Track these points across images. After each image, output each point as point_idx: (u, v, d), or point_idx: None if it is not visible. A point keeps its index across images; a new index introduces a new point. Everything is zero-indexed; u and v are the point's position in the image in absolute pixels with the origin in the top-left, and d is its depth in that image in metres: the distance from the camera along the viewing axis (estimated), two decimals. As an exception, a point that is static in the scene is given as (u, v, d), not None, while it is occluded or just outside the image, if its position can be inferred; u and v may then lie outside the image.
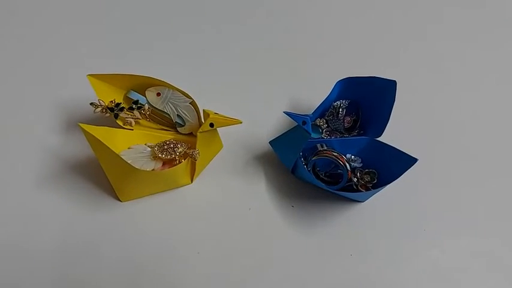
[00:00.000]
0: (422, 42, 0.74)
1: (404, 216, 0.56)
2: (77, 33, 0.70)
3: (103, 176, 0.53)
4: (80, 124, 0.49)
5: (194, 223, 0.54)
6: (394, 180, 0.50)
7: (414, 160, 0.50)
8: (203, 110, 0.54)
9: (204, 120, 0.53)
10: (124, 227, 0.53)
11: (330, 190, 0.53)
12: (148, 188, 0.54)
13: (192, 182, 0.56)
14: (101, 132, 0.50)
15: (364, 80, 0.55)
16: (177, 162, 0.53)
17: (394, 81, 0.53)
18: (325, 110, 0.59)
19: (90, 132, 0.49)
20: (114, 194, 0.54)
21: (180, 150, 0.53)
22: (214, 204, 0.55)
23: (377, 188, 0.52)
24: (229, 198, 0.56)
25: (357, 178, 0.54)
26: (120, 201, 0.54)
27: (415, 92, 0.66)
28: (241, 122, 0.52)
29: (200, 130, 0.52)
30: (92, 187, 0.55)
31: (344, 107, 0.57)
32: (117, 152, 0.50)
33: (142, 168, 0.52)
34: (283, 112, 0.52)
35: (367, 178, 0.54)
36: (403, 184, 0.53)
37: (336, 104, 0.58)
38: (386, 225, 0.55)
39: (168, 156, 0.53)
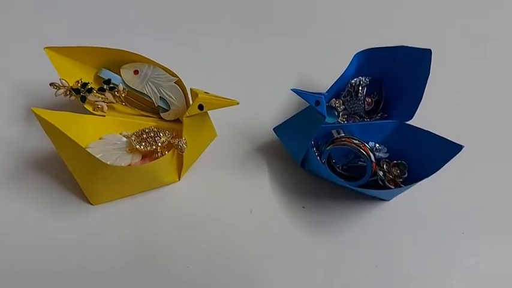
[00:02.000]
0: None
1: (438, 218, 0.49)
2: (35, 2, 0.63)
3: (71, 176, 0.46)
4: (33, 109, 0.40)
5: (183, 231, 0.47)
6: (432, 173, 0.42)
7: (459, 147, 0.42)
8: (190, 89, 0.45)
9: (192, 101, 0.44)
10: (95, 237, 0.46)
11: (350, 187, 0.46)
12: (124, 188, 0.47)
13: (179, 179, 0.49)
14: (61, 119, 0.42)
15: (389, 51, 0.48)
16: (160, 155, 0.46)
17: (429, 50, 0.46)
18: (340, 89, 0.51)
19: (46, 118, 0.39)
20: (85, 197, 0.47)
21: (162, 139, 0.45)
22: (207, 207, 0.48)
23: (408, 183, 0.45)
24: (225, 199, 0.49)
25: (383, 171, 0.45)
26: (92, 204, 0.47)
27: (450, 65, 0.59)
28: (238, 103, 0.44)
29: (187, 114, 0.43)
30: (58, 188, 0.48)
31: (364, 84, 0.49)
32: (84, 144, 0.44)
33: (115, 164, 0.44)
34: (291, 90, 0.44)
35: (395, 171, 0.46)
36: (436, 179, 0.45)
37: (354, 81, 0.50)
38: (417, 229, 0.48)
39: (148, 148, 0.45)
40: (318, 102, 0.43)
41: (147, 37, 0.60)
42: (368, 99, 0.50)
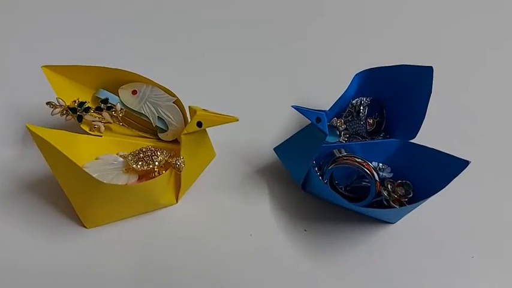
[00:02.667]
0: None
1: (445, 241, 0.47)
2: (31, 22, 0.63)
3: (66, 198, 0.44)
4: (28, 125, 0.38)
5: (180, 254, 0.45)
6: (439, 190, 0.40)
7: (465, 163, 0.41)
8: (189, 106, 0.44)
9: (191, 119, 0.43)
10: (88, 261, 0.44)
11: (353, 208, 0.44)
12: (120, 210, 0.45)
13: (177, 201, 0.47)
14: (57, 137, 0.40)
15: (390, 71, 0.48)
16: (157, 174, 0.44)
17: (430, 67, 0.46)
18: (341, 109, 0.50)
19: (41, 135, 0.38)
20: (79, 219, 0.45)
21: (160, 158, 0.43)
22: (205, 230, 0.46)
23: (413, 202, 0.43)
24: (224, 222, 0.47)
25: (388, 191, 0.44)
26: (85, 227, 0.45)
27: (451, 81, 0.59)
28: (237, 120, 0.43)
29: (185, 131, 0.42)
30: (52, 211, 0.47)
31: (366, 104, 0.48)
32: (80, 164, 0.42)
33: (111, 183, 0.42)
34: (292, 106, 0.43)
35: (400, 191, 0.44)
36: (442, 200, 0.45)
37: (355, 101, 0.50)
38: (423, 253, 0.46)
39: (145, 167, 0.44)
40: (319, 119, 0.42)
41: (145, 56, 0.60)
42: (369, 120, 0.49)
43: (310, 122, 0.43)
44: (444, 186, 0.40)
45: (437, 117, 0.50)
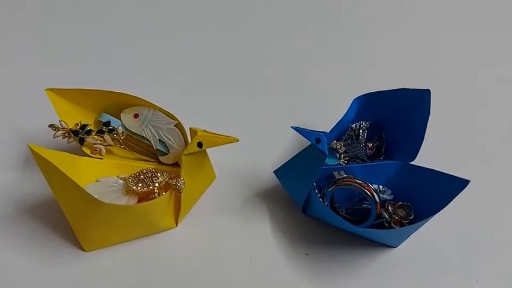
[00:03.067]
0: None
1: (448, 265, 0.46)
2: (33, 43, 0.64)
3: (65, 221, 0.44)
4: (30, 145, 0.39)
5: (179, 279, 0.44)
6: (439, 209, 0.40)
7: (465, 182, 0.41)
8: (190, 128, 0.44)
9: (191, 140, 0.43)
10: (86, 285, 0.43)
11: (355, 231, 0.44)
12: (119, 233, 0.44)
13: (176, 225, 0.47)
14: (58, 158, 0.40)
15: (388, 95, 0.48)
16: (157, 195, 0.44)
17: (428, 90, 0.46)
18: (341, 134, 0.50)
19: (42, 155, 0.38)
20: (78, 243, 0.45)
21: (160, 180, 0.43)
22: (205, 254, 0.46)
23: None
24: (224, 246, 0.46)
25: (389, 213, 0.43)
26: (84, 251, 0.45)
27: (449, 102, 0.59)
28: (237, 140, 0.43)
29: (185, 152, 0.42)
30: (51, 234, 0.46)
31: (365, 128, 0.48)
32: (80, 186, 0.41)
33: (111, 203, 0.42)
34: (292, 127, 0.43)
35: (401, 213, 0.43)
36: (444, 223, 0.45)
37: (354, 125, 0.50)
38: (427, 278, 0.45)
39: (145, 188, 0.43)
40: (318, 140, 0.42)
41: (147, 80, 0.61)
42: (369, 144, 0.49)
43: (309, 144, 0.43)
44: (444, 206, 0.40)
45: (436, 138, 0.50)
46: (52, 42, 0.65)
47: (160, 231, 0.46)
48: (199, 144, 0.42)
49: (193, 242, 0.46)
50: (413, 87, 0.47)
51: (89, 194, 0.38)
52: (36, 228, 0.46)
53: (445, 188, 0.41)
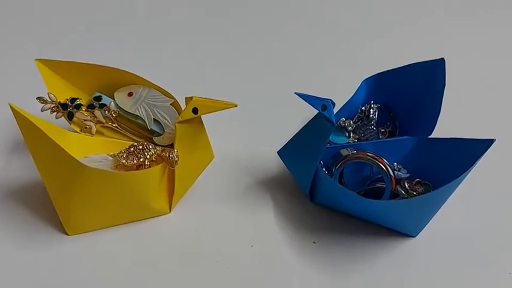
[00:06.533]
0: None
1: (476, 256, 0.42)
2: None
3: (50, 205, 0.41)
4: (11, 104, 0.36)
5: (173, 269, 0.40)
6: (467, 172, 0.36)
7: (489, 142, 0.37)
8: (185, 98, 0.41)
9: (186, 106, 0.40)
10: (64, 275, 0.39)
11: (368, 213, 0.40)
12: (105, 214, 0.41)
13: (170, 210, 0.43)
14: (43, 128, 0.37)
15: (398, 72, 0.47)
16: (147, 168, 0.40)
17: (442, 59, 0.44)
18: (350, 115, 0.47)
19: (24, 115, 0.35)
20: (61, 226, 0.41)
21: (151, 152, 0.40)
22: (201, 242, 0.42)
23: None
24: (223, 233, 0.42)
25: (406, 189, 0.39)
26: (67, 235, 0.41)
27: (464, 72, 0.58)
28: (235, 105, 0.40)
29: (180, 119, 0.39)
30: (33, 218, 0.43)
31: (375, 109, 0.45)
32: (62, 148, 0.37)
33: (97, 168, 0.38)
34: (295, 93, 0.40)
35: (419, 189, 0.39)
36: (471, 207, 0.43)
37: (364, 107, 0.47)
38: (451, 270, 0.41)
39: (135, 161, 0.40)
40: (325, 107, 0.38)
41: (147, 65, 0.59)
42: (381, 129, 0.46)
43: (314, 117, 0.40)
44: (471, 168, 0.36)
45: (450, 112, 0.47)
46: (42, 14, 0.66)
47: (152, 217, 0.42)
48: (195, 110, 0.38)
49: (189, 229, 0.42)
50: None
51: (72, 157, 0.35)
52: (20, 211, 0.43)
53: (468, 153, 0.37)
